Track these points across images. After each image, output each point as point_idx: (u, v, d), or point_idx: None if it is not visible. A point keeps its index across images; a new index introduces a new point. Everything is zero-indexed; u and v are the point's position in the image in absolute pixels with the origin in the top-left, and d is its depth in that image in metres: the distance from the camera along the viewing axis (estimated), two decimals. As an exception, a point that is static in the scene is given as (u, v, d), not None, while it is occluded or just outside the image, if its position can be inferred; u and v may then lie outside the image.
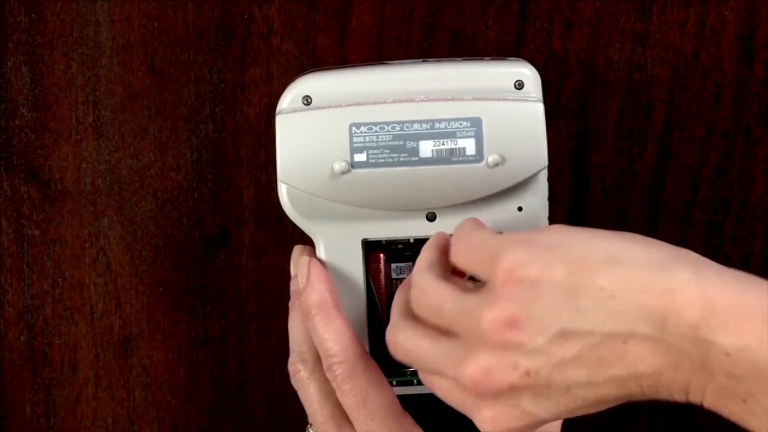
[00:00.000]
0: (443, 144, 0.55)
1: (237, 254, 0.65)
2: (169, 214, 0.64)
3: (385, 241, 0.58)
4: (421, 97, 0.56)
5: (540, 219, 0.57)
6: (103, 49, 0.63)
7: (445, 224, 0.56)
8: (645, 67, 0.63)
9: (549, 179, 0.57)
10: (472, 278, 0.51)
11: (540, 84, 0.56)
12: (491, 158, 0.55)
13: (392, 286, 0.59)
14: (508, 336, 0.45)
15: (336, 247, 0.57)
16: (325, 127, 0.56)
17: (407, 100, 0.56)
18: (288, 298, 0.58)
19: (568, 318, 0.44)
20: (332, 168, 0.55)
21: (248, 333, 0.65)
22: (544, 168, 0.56)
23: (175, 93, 0.63)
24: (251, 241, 0.65)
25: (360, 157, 0.56)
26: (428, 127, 0.56)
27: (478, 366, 0.45)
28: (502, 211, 0.57)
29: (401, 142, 0.56)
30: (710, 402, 0.43)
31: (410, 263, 0.58)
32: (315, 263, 0.56)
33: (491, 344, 0.45)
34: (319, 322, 0.55)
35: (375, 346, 0.58)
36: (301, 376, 0.56)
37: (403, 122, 0.56)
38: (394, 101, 0.56)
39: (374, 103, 0.56)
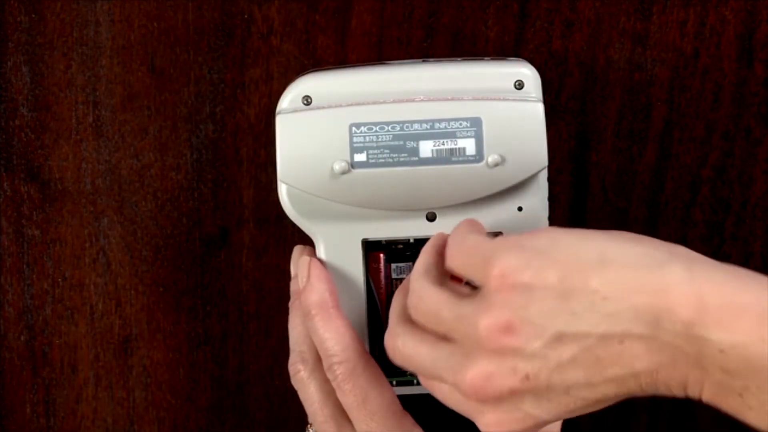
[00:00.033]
0: (443, 144, 0.55)
1: (237, 254, 0.65)
2: (169, 214, 0.64)
3: (385, 241, 0.58)
4: (421, 97, 0.56)
5: (540, 219, 0.57)
6: (103, 49, 0.63)
7: (445, 224, 0.56)
8: (645, 67, 0.63)
9: (549, 179, 0.57)
10: (469, 282, 0.51)
11: (540, 84, 0.56)
12: (491, 158, 0.55)
13: (392, 286, 0.59)
14: (505, 341, 0.45)
15: (336, 247, 0.57)
16: (325, 127, 0.56)
17: (407, 100, 0.56)
18: (288, 298, 0.58)
19: (563, 321, 0.44)
20: (332, 168, 0.55)
21: (248, 333, 0.65)
22: (544, 168, 0.56)
23: (175, 93, 0.63)
24: (251, 241, 0.65)
25: (360, 157, 0.56)
26: (428, 127, 0.56)
27: (478, 372, 0.46)
28: (502, 211, 0.57)
29: (401, 142, 0.56)
30: (708, 396, 0.44)
31: (410, 263, 0.58)
32: (315, 263, 0.56)
33: (489, 350, 0.45)
34: (319, 322, 0.55)
35: (375, 345, 0.58)
36: (301, 376, 0.56)
37: (403, 122, 0.56)
38: (394, 101, 0.56)
39: (374, 103, 0.56)
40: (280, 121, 0.56)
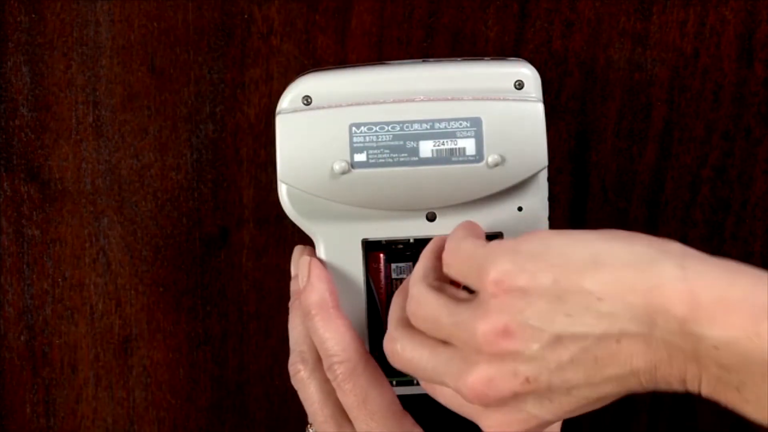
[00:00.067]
0: (443, 144, 0.55)
1: (237, 254, 0.65)
2: (169, 214, 0.64)
3: (385, 241, 0.58)
4: (421, 97, 0.56)
5: (540, 219, 0.57)
6: (103, 49, 0.63)
7: (445, 224, 0.56)
8: (645, 67, 0.63)
9: (549, 179, 0.57)
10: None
11: (540, 84, 0.56)
12: (491, 158, 0.55)
13: (392, 286, 0.59)
14: (503, 345, 0.45)
15: (336, 247, 0.57)
16: (325, 127, 0.56)
17: (407, 100, 0.56)
18: (288, 298, 0.58)
19: (560, 323, 0.44)
20: (332, 168, 0.55)
21: (248, 333, 0.65)
22: (544, 168, 0.56)
23: (175, 93, 0.63)
24: (251, 241, 0.65)
25: (360, 157, 0.56)
26: (428, 127, 0.56)
27: (479, 377, 0.46)
28: (502, 211, 0.57)
29: (401, 142, 0.56)
30: (706, 391, 0.44)
31: (410, 263, 0.58)
32: (316, 263, 0.56)
33: (489, 355, 0.46)
34: (319, 322, 0.55)
35: (375, 345, 0.58)
36: (301, 376, 0.56)
37: (403, 122, 0.56)
38: (394, 101, 0.56)
39: (374, 103, 0.56)
40: (280, 121, 0.56)
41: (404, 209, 0.57)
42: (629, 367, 0.44)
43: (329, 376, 0.55)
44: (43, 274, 0.65)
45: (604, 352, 0.44)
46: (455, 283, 0.51)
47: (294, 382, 0.56)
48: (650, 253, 0.45)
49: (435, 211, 0.57)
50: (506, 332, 0.45)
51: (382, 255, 0.58)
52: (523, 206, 0.57)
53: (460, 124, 0.55)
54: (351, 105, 0.56)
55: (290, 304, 0.58)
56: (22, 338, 0.65)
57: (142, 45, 0.63)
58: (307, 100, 0.56)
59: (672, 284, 0.43)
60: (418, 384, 0.58)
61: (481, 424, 0.48)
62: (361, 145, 0.56)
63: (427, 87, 0.56)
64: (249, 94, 0.63)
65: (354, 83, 0.56)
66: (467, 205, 0.56)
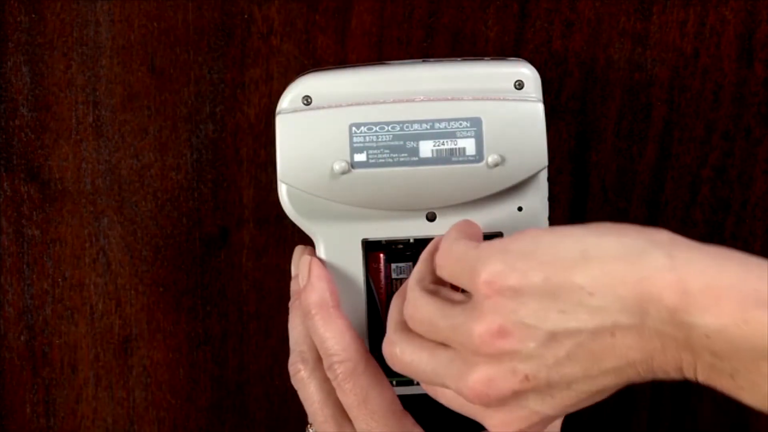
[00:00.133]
0: (443, 144, 0.55)
1: (237, 254, 0.65)
2: (169, 214, 0.64)
3: (385, 241, 0.58)
4: (421, 97, 0.56)
5: (540, 219, 0.57)
6: (103, 49, 0.63)
7: (445, 224, 0.56)
8: (645, 67, 0.63)
9: (549, 179, 0.57)
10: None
11: (540, 84, 0.56)
12: (491, 158, 0.55)
13: (392, 286, 0.59)
14: (500, 346, 0.46)
15: (336, 247, 0.57)
16: (325, 127, 0.56)
17: (407, 100, 0.56)
18: (288, 298, 0.58)
19: (553, 320, 0.45)
20: (332, 168, 0.55)
21: (248, 333, 0.65)
22: (544, 168, 0.56)
23: (175, 93, 0.63)
24: (251, 241, 0.65)
25: (360, 157, 0.56)
26: (428, 127, 0.56)
27: (479, 377, 0.46)
28: (502, 211, 0.57)
29: (401, 142, 0.56)
30: (703, 378, 0.44)
31: (410, 263, 0.58)
32: (316, 263, 0.56)
33: (486, 356, 0.46)
34: (319, 322, 0.55)
35: (375, 345, 0.58)
36: (301, 375, 0.56)
37: (403, 122, 0.56)
38: (394, 101, 0.56)
39: (374, 103, 0.56)
40: (280, 121, 0.56)
41: (404, 209, 0.57)
42: (626, 360, 0.45)
43: (329, 375, 0.55)
44: (43, 274, 0.65)
45: (600, 345, 0.45)
46: (453, 286, 0.51)
47: (294, 381, 0.56)
48: (639, 244, 0.45)
49: (435, 211, 0.57)
50: (502, 332, 0.45)
51: (382, 255, 0.58)
52: (523, 206, 0.57)
53: (460, 124, 0.55)
54: (351, 105, 0.56)
55: (290, 304, 0.58)
56: (22, 338, 0.65)
57: (142, 45, 0.63)
58: (307, 100, 0.56)
59: (661, 274, 0.43)
60: (418, 384, 0.58)
61: (485, 424, 0.48)
62: (361, 145, 0.56)
63: (427, 87, 0.56)
64: (249, 94, 0.63)
65: (354, 83, 0.56)
66: (467, 205, 0.56)
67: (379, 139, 0.56)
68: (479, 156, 0.55)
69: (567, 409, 0.47)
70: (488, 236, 0.54)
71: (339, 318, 0.55)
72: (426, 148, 0.55)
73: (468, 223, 0.54)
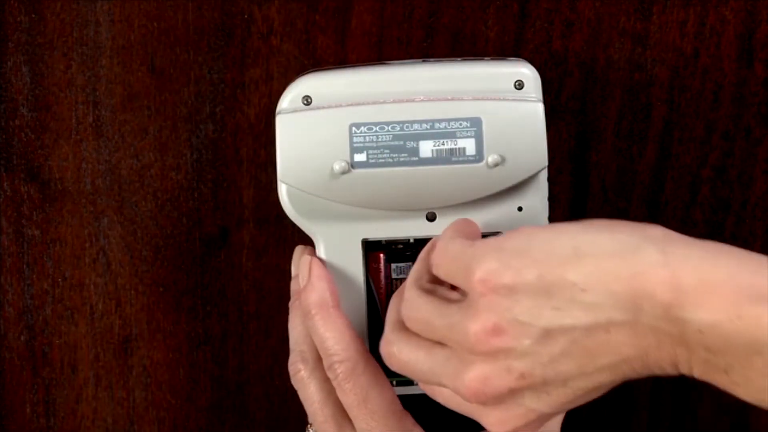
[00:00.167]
0: (443, 144, 0.55)
1: (237, 254, 0.65)
2: (169, 214, 0.64)
3: (385, 241, 0.58)
4: (421, 97, 0.56)
5: (540, 219, 0.57)
6: (103, 49, 0.63)
7: (445, 224, 0.56)
8: (645, 67, 0.63)
9: (549, 179, 0.57)
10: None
11: (540, 84, 0.56)
12: (491, 158, 0.55)
13: (392, 286, 0.59)
14: (495, 344, 0.46)
15: (336, 247, 0.57)
16: (325, 127, 0.56)
17: (407, 100, 0.56)
18: (288, 298, 0.58)
19: (548, 317, 0.45)
20: (332, 168, 0.55)
21: (248, 333, 0.65)
22: (544, 168, 0.56)
23: (175, 93, 0.63)
24: (251, 241, 0.65)
25: (360, 157, 0.56)
26: (428, 127, 0.56)
27: (474, 376, 0.46)
28: (502, 211, 0.57)
29: (401, 142, 0.56)
30: (698, 373, 0.44)
31: (410, 263, 0.58)
32: (316, 263, 0.56)
33: (482, 354, 0.46)
34: (319, 321, 0.55)
35: (375, 345, 0.58)
36: (301, 375, 0.56)
37: (403, 122, 0.56)
38: (394, 101, 0.56)
39: (374, 103, 0.56)
40: (280, 121, 0.56)
41: (404, 209, 0.57)
42: (620, 356, 0.45)
43: (329, 375, 0.55)
44: (43, 274, 0.65)
45: (595, 342, 0.45)
46: (450, 285, 0.51)
47: (294, 381, 0.56)
48: (632, 240, 0.45)
49: (435, 211, 0.57)
50: (497, 330, 0.45)
51: (382, 255, 0.58)
52: (523, 206, 0.57)
53: (460, 124, 0.55)
54: (351, 105, 0.56)
55: (290, 304, 0.58)
56: (22, 338, 0.65)
57: (142, 45, 0.63)
58: (307, 100, 0.56)
59: (654, 270, 0.43)
60: (417, 384, 0.58)
61: (482, 422, 0.48)
62: (361, 145, 0.56)
63: (427, 87, 0.56)
64: (249, 94, 0.63)
65: (354, 83, 0.56)
66: (467, 205, 0.56)
67: (379, 139, 0.56)
68: (479, 156, 0.55)
69: (563, 406, 0.47)
70: (488, 236, 0.54)
71: (339, 318, 0.55)
72: (426, 148, 0.55)
73: (465, 222, 0.54)
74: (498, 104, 0.56)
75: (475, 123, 0.55)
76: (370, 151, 0.56)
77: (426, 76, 0.56)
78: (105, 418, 0.66)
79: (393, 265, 0.59)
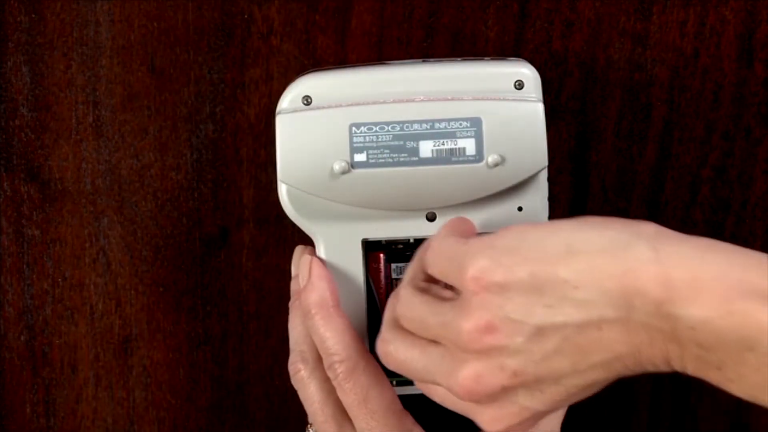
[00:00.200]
0: (443, 144, 0.55)
1: (237, 254, 0.65)
2: (169, 214, 0.64)
3: (385, 241, 0.58)
4: (421, 97, 0.56)
5: (540, 219, 0.57)
6: (103, 49, 0.63)
7: (445, 224, 0.56)
8: (645, 67, 0.63)
9: (549, 179, 0.57)
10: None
11: (540, 84, 0.56)
12: (491, 158, 0.55)
13: (392, 286, 0.59)
14: (488, 341, 0.46)
15: (336, 247, 0.57)
16: (325, 127, 0.56)
17: (407, 100, 0.56)
18: (288, 298, 0.58)
19: (540, 315, 0.45)
20: (332, 168, 0.55)
21: (248, 333, 0.65)
22: (544, 168, 0.56)
23: (175, 93, 0.63)
24: (251, 241, 0.65)
25: (360, 157, 0.56)
26: (428, 127, 0.56)
27: (467, 374, 0.46)
28: (502, 211, 0.57)
29: (401, 142, 0.56)
30: (691, 370, 0.44)
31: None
32: (316, 262, 0.56)
33: (475, 352, 0.46)
34: (319, 321, 0.55)
35: (375, 345, 0.58)
36: (301, 375, 0.56)
37: (403, 122, 0.56)
38: (394, 101, 0.56)
39: (374, 103, 0.56)
40: (280, 121, 0.56)
41: (404, 209, 0.57)
42: (613, 353, 0.45)
43: (330, 374, 0.55)
44: (43, 274, 0.65)
45: (587, 339, 0.45)
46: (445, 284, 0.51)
47: (294, 381, 0.56)
48: (623, 237, 0.45)
49: (435, 211, 0.57)
50: (489, 328, 0.45)
51: (382, 255, 0.58)
52: (523, 206, 0.57)
53: (460, 124, 0.55)
54: (351, 105, 0.56)
55: (290, 304, 0.58)
56: (22, 338, 0.65)
57: (142, 45, 0.63)
58: (307, 100, 0.56)
59: (645, 267, 0.43)
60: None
61: (477, 420, 0.48)
62: (361, 145, 0.56)
63: (427, 87, 0.56)
64: (249, 94, 0.63)
65: (354, 83, 0.56)
66: (467, 205, 0.56)
67: (379, 139, 0.56)
68: (479, 156, 0.55)
69: (557, 404, 0.47)
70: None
71: (339, 317, 0.55)
72: (426, 148, 0.55)
73: (460, 220, 0.54)
74: (498, 104, 0.56)
75: (475, 123, 0.55)
76: (370, 151, 0.56)
77: (426, 76, 0.56)
78: (105, 418, 0.66)
79: (393, 265, 0.59)
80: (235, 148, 0.64)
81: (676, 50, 0.63)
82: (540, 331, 0.45)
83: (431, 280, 0.51)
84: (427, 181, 0.56)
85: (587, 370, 0.45)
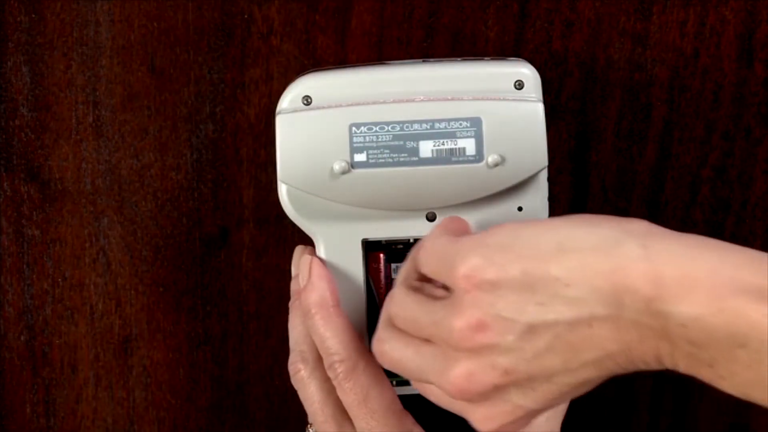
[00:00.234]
0: (443, 144, 0.55)
1: (237, 254, 0.65)
2: (169, 214, 0.64)
3: (385, 241, 0.58)
4: (421, 97, 0.56)
5: (540, 219, 0.57)
6: (103, 49, 0.63)
7: (445, 224, 0.56)
8: (645, 67, 0.63)
9: (549, 179, 0.57)
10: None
11: (540, 84, 0.56)
12: (491, 158, 0.55)
13: (392, 286, 0.59)
14: (479, 340, 0.46)
15: (336, 247, 0.57)
16: (325, 127, 0.56)
17: (407, 100, 0.56)
18: (288, 298, 0.58)
19: (531, 312, 0.45)
20: (332, 168, 0.55)
21: (248, 333, 0.65)
22: (544, 168, 0.56)
23: (175, 93, 0.63)
24: (251, 241, 0.65)
25: (360, 157, 0.56)
26: (428, 127, 0.56)
27: (459, 372, 0.46)
28: (502, 211, 0.57)
29: (401, 142, 0.56)
30: (683, 368, 0.44)
31: (410, 263, 0.58)
32: (317, 262, 0.56)
33: (466, 350, 0.46)
34: (319, 321, 0.55)
35: (374, 345, 0.58)
36: (301, 375, 0.56)
37: (403, 122, 0.56)
38: (394, 101, 0.56)
39: (374, 103, 0.56)
40: (280, 121, 0.56)
41: (404, 209, 0.57)
42: (604, 351, 0.45)
43: (330, 374, 0.55)
44: (43, 274, 0.65)
45: (578, 337, 0.45)
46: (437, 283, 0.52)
47: (294, 381, 0.56)
48: (614, 235, 0.45)
49: (435, 211, 0.57)
50: (480, 326, 0.45)
51: (382, 255, 0.58)
52: (523, 206, 0.57)
53: (460, 124, 0.55)
54: (351, 105, 0.56)
55: (290, 304, 0.58)
56: (22, 338, 0.65)
57: (142, 45, 0.63)
58: (307, 100, 0.56)
59: (635, 264, 0.43)
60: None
61: (469, 419, 0.48)
62: (361, 145, 0.56)
63: (427, 87, 0.56)
64: (249, 94, 0.63)
65: (354, 83, 0.56)
66: (467, 205, 0.56)
67: (379, 139, 0.56)
68: (479, 156, 0.55)
69: (550, 402, 0.47)
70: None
71: (339, 317, 0.55)
72: (426, 148, 0.55)
73: (453, 219, 0.54)
74: (498, 104, 0.56)
75: (475, 123, 0.55)
76: (370, 151, 0.56)
77: (426, 76, 0.56)
78: (105, 418, 0.66)
79: (393, 265, 0.59)
80: (235, 148, 0.64)
81: (676, 50, 0.63)
82: (531, 329, 0.45)
83: (425, 279, 0.51)
84: (427, 181, 0.56)
85: (579, 368, 0.45)
